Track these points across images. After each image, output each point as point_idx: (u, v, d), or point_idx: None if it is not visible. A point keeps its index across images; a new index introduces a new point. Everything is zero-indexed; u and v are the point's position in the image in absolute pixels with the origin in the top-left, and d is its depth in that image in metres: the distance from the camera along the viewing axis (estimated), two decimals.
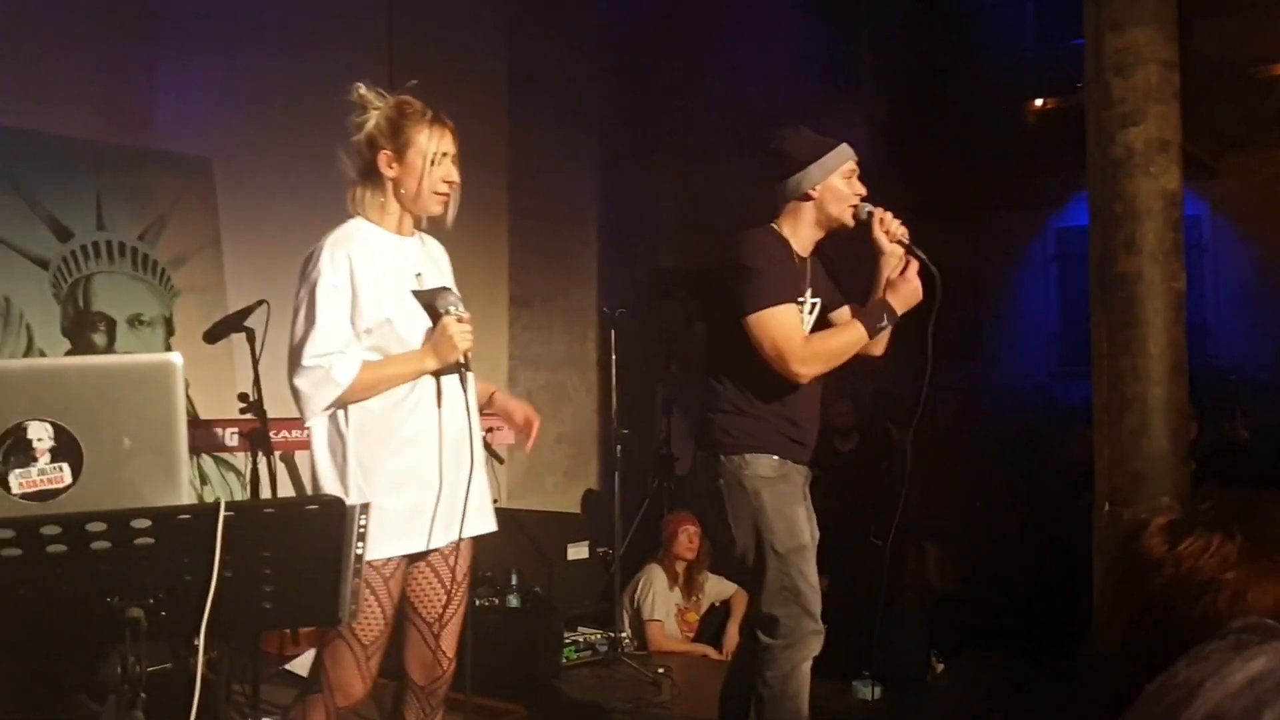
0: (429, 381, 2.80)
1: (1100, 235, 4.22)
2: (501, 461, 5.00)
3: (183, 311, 5.77)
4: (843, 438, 7.84)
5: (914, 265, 3.39)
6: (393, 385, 2.74)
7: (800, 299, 3.46)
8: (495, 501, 5.89)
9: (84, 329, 5.45)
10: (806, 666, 3.42)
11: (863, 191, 3.47)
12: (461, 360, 2.80)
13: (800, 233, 3.49)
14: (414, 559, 2.83)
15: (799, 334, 3.40)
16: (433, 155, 2.78)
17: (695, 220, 8.19)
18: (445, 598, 2.87)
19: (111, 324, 5.54)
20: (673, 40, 8.05)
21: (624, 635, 5.71)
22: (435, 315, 2.81)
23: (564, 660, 5.34)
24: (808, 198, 3.45)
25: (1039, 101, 10.37)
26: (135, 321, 5.63)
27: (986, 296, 10.96)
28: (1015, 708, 4.45)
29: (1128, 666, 1.23)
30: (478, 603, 5.34)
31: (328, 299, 2.68)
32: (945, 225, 10.41)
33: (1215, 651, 1.11)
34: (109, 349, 5.45)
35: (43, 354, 5.22)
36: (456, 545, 2.87)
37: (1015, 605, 5.95)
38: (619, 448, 5.80)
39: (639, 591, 5.98)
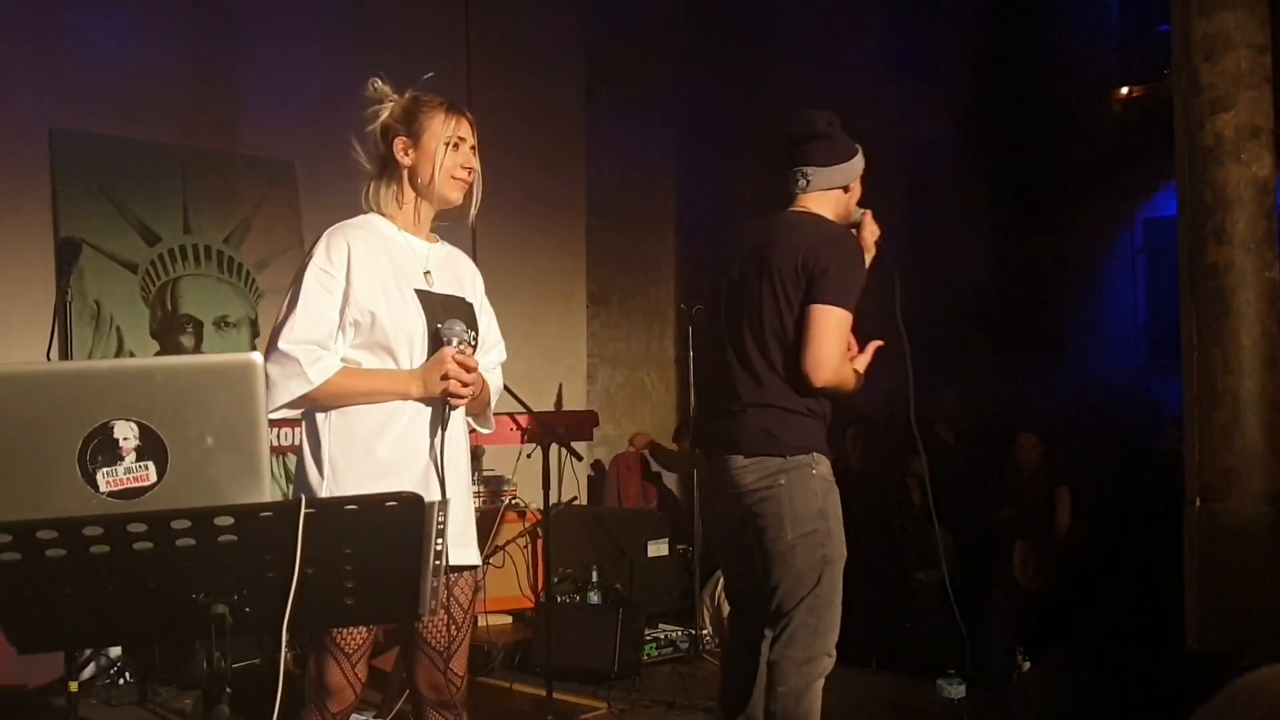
0: (417, 406, 2.64)
1: (1189, 225, 4.13)
2: (580, 459, 5.02)
3: (267, 313, 5.87)
4: (945, 428, 7.65)
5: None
6: (368, 402, 2.61)
7: None
8: (574, 500, 5.95)
9: (172, 331, 5.56)
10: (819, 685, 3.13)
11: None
12: (448, 402, 2.62)
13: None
14: None
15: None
16: (448, 139, 2.73)
17: None
18: (454, 626, 2.71)
19: (199, 326, 5.65)
20: (750, 34, 8.00)
21: (705, 632, 5.70)
22: (438, 341, 2.65)
23: (645, 657, 5.34)
24: (846, 190, 3.27)
25: (1124, 90, 10.17)
26: (221, 323, 5.73)
27: (1072, 289, 10.77)
28: (1102, 708, 4.36)
29: None
30: (559, 599, 5.37)
31: (315, 284, 2.60)
32: (1029, 217, 10.26)
33: None
34: (196, 350, 5.56)
35: (132, 355, 5.33)
36: (449, 574, 2.64)
37: (1104, 604, 5.83)
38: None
39: (719, 589, 5.95)
